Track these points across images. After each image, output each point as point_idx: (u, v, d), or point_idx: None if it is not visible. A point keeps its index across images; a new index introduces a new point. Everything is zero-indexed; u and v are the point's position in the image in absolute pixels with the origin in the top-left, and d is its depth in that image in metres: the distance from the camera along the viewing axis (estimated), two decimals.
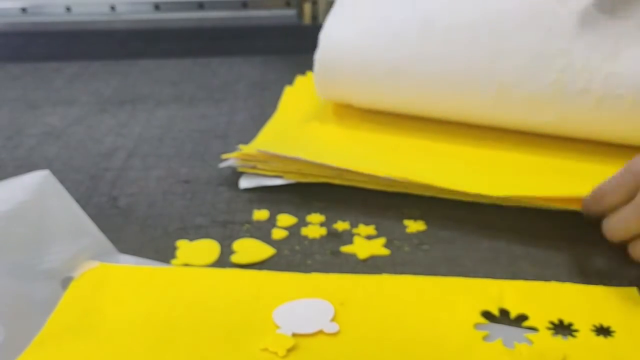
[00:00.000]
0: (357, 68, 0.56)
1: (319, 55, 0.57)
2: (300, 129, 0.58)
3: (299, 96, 0.66)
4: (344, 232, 0.44)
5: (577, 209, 0.44)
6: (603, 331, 0.34)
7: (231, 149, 0.57)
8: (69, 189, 0.41)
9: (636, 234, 0.38)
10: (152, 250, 0.42)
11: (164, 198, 0.49)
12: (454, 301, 0.36)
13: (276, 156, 0.50)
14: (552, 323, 0.34)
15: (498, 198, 0.45)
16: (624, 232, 0.38)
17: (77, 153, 0.57)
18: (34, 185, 0.39)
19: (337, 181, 0.49)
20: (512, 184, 0.47)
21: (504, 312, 0.35)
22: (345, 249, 0.42)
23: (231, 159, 0.52)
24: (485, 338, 0.33)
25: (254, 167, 0.51)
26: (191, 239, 0.43)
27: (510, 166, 0.51)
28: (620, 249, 0.40)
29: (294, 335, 0.33)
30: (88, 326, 0.34)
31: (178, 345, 0.33)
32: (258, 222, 0.46)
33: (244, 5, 0.93)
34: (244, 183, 0.50)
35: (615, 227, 0.39)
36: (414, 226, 0.44)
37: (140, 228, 0.45)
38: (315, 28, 0.61)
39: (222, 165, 0.53)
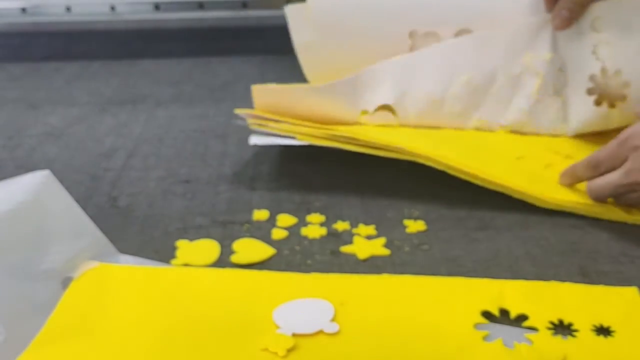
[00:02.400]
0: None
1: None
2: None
3: None
4: (344, 232, 0.44)
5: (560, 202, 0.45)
6: (603, 331, 0.34)
7: (231, 148, 0.57)
8: (69, 189, 0.41)
9: (616, 193, 0.44)
10: (152, 250, 0.42)
11: (164, 198, 0.49)
12: (454, 301, 0.36)
13: (284, 121, 0.50)
14: (552, 323, 0.34)
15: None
16: (609, 193, 0.44)
17: (77, 153, 0.57)
18: (34, 185, 0.39)
19: (349, 147, 0.49)
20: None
21: (504, 312, 0.35)
22: (345, 249, 0.42)
23: (243, 115, 0.52)
24: (485, 338, 0.33)
25: (265, 125, 0.50)
26: (191, 239, 0.43)
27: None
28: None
29: (294, 335, 0.33)
30: (88, 326, 0.34)
31: (178, 345, 0.33)
32: (258, 222, 0.46)
33: (244, 5, 0.93)
34: (255, 140, 0.50)
35: (601, 188, 0.44)
36: (414, 226, 0.44)
37: (140, 228, 0.45)
38: None
39: (234, 121, 0.52)
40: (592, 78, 0.53)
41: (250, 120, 0.52)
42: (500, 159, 0.51)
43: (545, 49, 0.55)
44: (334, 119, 0.54)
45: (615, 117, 0.53)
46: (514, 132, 0.56)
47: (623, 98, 0.52)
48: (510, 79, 0.56)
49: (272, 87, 0.54)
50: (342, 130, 0.50)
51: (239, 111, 0.53)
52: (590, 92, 0.53)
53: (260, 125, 0.51)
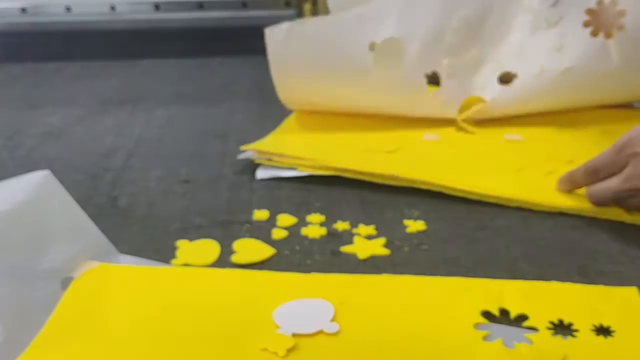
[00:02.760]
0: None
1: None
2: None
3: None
4: (344, 232, 0.44)
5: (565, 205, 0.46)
6: (603, 331, 0.34)
7: (231, 148, 0.57)
8: (69, 189, 0.41)
9: (616, 199, 0.44)
10: (152, 250, 0.42)
11: (164, 198, 0.49)
12: (454, 301, 0.36)
13: (287, 156, 0.53)
14: (552, 323, 0.34)
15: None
16: (609, 198, 0.44)
17: (77, 153, 0.57)
18: (34, 185, 0.39)
19: (347, 174, 0.50)
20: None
21: (504, 312, 0.35)
22: (345, 249, 0.42)
23: (249, 151, 0.54)
24: (485, 338, 0.33)
25: (269, 160, 0.53)
26: (191, 239, 0.43)
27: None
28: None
29: (294, 335, 0.33)
30: (88, 326, 0.34)
31: (178, 346, 0.33)
32: (258, 222, 0.46)
33: (244, 5, 0.93)
34: (261, 174, 0.52)
35: (601, 194, 0.45)
36: (414, 226, 0.44)
37: (140, 228, 0.45)
38: None
39: (240, 157, 0.54)
40: (588, 11, 0.55)
41: (256, 155, 0.54)
42: (499, 173, 0.50)
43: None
44: (343, 55, 0.57)
45: (612, 49, 0.55)
46: (507, 70, 0.59)
47: (620, 27, 0.54)
48: (504, 15, 0.59)
49: (284, 27, 0.57)
50: (340, 163, 0.51)
51: (245, 147, 0.55)
52: (586, 24, 0.55)
53: (266, 161, 0.53)
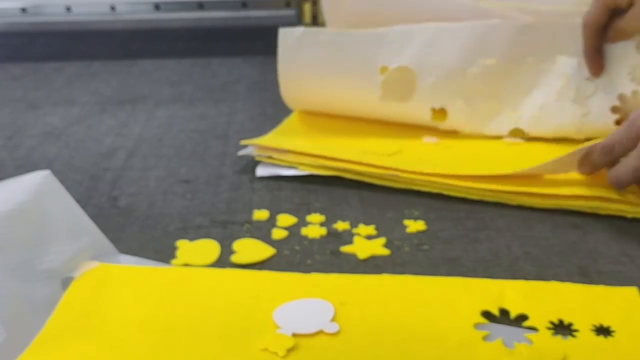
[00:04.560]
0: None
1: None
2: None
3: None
4: (344, 232, 0.44)
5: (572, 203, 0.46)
6: (603, 331, 0.34)
7: (231, 148, 0.57)
8: (69, 189, 0.41)
9: (638, 175, 0.44)
10: (152, 250, 0.42)
11: (164, 198, 0.49)
12: (454, 301, 0.36)
13: (287, 150, 0.53)
14: (552, 323, 0.34)
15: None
16: (631, 178, 0.44)
17: (77, 153, 0.57)
18: (34, 185, 0.39)
19: (347, 175, 0.50)
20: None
21: (504, 312, 0.35)
22: (345, 249, 0.42)
23: (249, 147, 0.54)
24: (485, 338, 0.33)
25: (270, 157, 0.53)
26: (191, 239, 0.43)
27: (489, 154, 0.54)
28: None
29: (294, 335, 0.33)
30: (88, 326, 0.34)
31: (178, 346, 0.33)
32: (258, 222, 0.46)
33: (244, 5, 0.93)
34: (261, 171, 0.52)
35: (623, 174, 0.44)
36: (414, 226, 0.44)
37: (140, 228, 0.45)
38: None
39: (241, 153, 0.54)
40: (620, 97, 0.53)
41: (256, 152, 0.54)
42: (498, 168, 0.50)
43: (578, 54, 0.55)
44: (352, 73, 0.56)
45: None
46: (520, 128, 0.56)
47: None
48: (533, 74, 0.56)
49: (298, 31, 0.57)
50: (340, 163, 0.51)
51: (245, 142, 0.55)
52: (614, 110, 0.53)
53: (266, 158, 0.53)
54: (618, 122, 0.53)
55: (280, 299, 0.36)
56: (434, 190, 0.48)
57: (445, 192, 0.48)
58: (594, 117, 0.54)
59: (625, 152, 0.44)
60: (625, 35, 0.53)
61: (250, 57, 0.84)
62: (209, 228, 0.45)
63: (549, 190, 0.46)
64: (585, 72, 0.55)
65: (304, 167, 0.52)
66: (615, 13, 0.53)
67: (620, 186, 0.45)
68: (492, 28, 0.56)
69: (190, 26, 0.99)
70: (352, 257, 0.41)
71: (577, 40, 0.55)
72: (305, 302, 0.36)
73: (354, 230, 0.44)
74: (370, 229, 0.44)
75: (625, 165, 0.44)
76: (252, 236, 0.44)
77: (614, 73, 0.54)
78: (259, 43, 0.90)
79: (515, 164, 0.49)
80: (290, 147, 0.53)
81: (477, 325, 0.34)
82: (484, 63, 0.56)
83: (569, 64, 0.55)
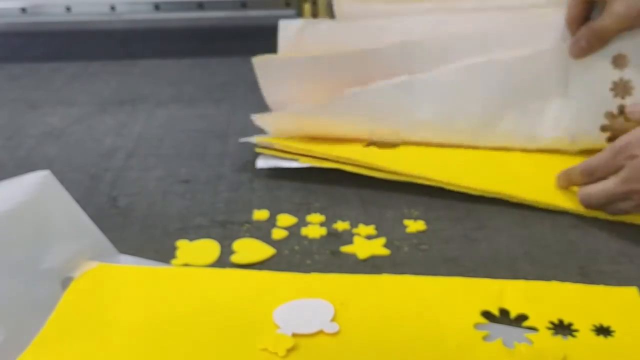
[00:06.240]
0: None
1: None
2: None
3: None
4: (344, 232, 0.44)
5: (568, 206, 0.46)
6: (603, 331, 0.34)
7: (231, 148, 0.57)
8: (69, 189, 0.41)
9: (611, 201, 0.44)
10: (152, 250, 0.42)
11: (164, 198, 0.49)
12: (454, 301, 0.36)
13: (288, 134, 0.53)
14: (552, 323, 0.34)
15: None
16: (603, 201, 0.44)
17: (77, 153, 0.57)
18: (34, 185, 0.39)
19: (348, 167, 0.50)
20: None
21: (504, 312, 0.35)
22: (345, 249, 0.42)
23: (252, 136, 0.54)
24: (485, 338, 0.33)
25: (270, 147, 0.53)
26: (191, 239, 0.43)
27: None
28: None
29: (294, 335, 0.33)
30: (88, 326, 0.34)
31: (178, 345, 0.33)
32: (258, 222, 0.46)
33: (244, 5, 0.93)
34: (261, 163, 0.52)
35: (596, 195, 0.44)
36: (414, 226, 0.44)
37: (140, 228, 0.45)
38: None
39: (242, 140, 0.54)
40: (607, 115, 0.52)
41: (258, 140, 0.54)
42: (501, 173, 0.50)
43: (563, 81, 0.53)
44: (342, 136, 0.55)
45: None
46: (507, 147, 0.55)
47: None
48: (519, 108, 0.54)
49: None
50: (341, 157, 0.51)
51: (244, 140, 0.55)
52: (603, 129, 0.52)
53: (267, 149, 0.53)
54: (610, 140, 0.51)
55: (280, 299, 0.36)
56: (435, 184, 0.48)
57: (446, 187, 0.48)
58: (585, 137, 0.53)
59: (604, 177, 0.44)
60: (602, 38, 0.52)
61: (250, 57, 0.84)
62: (208, 228, 0.45)
63: (549, 199, 0.46)
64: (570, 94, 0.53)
65: (305, 160, 0.51)
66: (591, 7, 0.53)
67: (590, 206, 0.45)
68: (478, 70, 0.54)
69: (189, 26, 0.99)
70: (352, 257, 0.41)
71: (554, 65, 0.53)
72: (305, 302, 0.36)
73: (354, 230, 0.44)
74: (370, 229, 0.44)
75: (602, 188, 0.44)
76: (252, 236, 0.44)
77: (597, 93, 0.52)
78: (259, 43, 0.90)
79: (514, 163, 0.49)
80: (290, 144, 0.52)
81: (477, 325, 0.34)
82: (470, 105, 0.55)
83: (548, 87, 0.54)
